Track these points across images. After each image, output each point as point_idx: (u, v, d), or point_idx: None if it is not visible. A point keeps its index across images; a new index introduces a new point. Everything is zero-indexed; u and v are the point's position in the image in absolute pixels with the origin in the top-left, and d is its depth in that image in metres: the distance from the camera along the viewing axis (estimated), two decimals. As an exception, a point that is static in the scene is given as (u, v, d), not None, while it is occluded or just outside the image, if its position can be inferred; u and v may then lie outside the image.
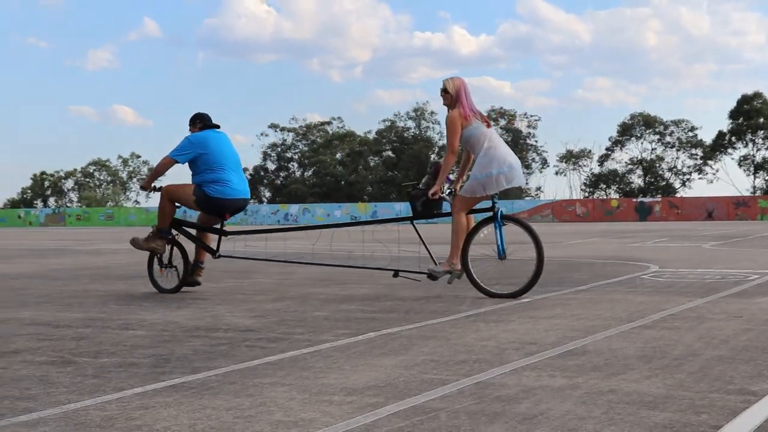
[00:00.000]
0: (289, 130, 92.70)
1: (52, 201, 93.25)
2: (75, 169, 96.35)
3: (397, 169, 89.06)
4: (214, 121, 8.53)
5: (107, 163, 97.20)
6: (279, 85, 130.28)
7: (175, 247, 8.44)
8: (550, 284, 8.47)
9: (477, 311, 6.42)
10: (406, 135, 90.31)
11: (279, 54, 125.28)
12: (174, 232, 8.37)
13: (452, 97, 7.56)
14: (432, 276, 7.53)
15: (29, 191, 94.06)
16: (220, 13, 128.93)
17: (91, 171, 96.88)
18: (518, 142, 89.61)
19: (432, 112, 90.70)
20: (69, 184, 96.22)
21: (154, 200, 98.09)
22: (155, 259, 8.38)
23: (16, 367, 4.37)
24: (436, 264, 7.57)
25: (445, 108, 7.63)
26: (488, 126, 7.61)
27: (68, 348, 4.93)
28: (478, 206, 7.64)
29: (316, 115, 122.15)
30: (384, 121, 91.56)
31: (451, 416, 3.20)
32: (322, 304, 6.98)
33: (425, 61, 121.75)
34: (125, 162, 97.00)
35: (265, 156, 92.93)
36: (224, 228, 8.49)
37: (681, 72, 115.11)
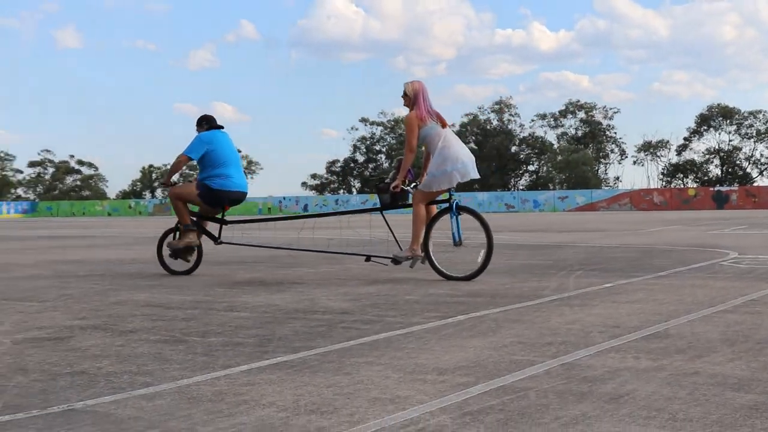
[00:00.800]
0: (377, 124, 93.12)
1: (159, 192, 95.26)
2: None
3: (480, 160, 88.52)
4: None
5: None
6: (367, 82, 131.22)
7: None
8: (631, 270, 8.35)
9: (560, 296, 6.35)
10: (488, 127, 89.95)
11: (367, 52, 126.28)
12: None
13: (411, 99, 7.83)
14: (395, 260, 7.87)
15: (139, 183, 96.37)
16: (312, 15, 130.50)
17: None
18: (596, 134, 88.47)
19: (513, 106, 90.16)
20: (175, 176, 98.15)
21: (253, 192, 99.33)
22: (164, 245, 8.89)
23: (134, 345, 4.48)
24: (401, 249, 7.88)
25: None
26: (444, 126, 7.84)
27: (179, 328, 5.04)
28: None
29: (403, 110, 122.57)
30: (467, 114, 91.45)
31: (540, 395, 3.18)
32: (412, 289, 6.99)
33: (506, 57, 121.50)
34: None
35: (355, 148, 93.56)
36: (224, 218, 8.95)
37: (759, 65, 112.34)
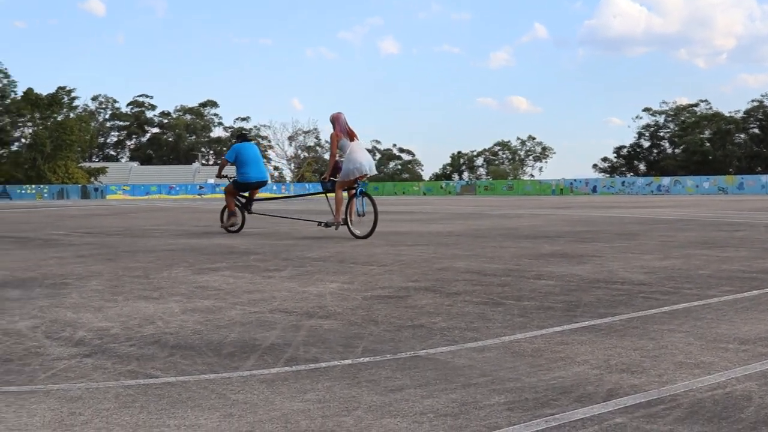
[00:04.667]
0: (660, 113, 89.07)
1: (465, 174, 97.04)
2: (483, 149, 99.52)
3: (764, 145, 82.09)
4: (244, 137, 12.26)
5: (508, 144, 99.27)
6: (649, 74, 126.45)
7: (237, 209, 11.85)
8: None
9: None
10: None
11: (649, 46, 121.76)
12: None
13: (333, 124, 10.51)
14: (326, 224, 10.67)
15: (449, 167, 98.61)
16: (598, 15, 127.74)
17: (496, 150, 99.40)
18: None
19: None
20: (479, 161, 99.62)
21: (546, 174, 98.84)
22: (224, 216, 11.80)
23: (460, 305, 4.62)
24: (332, 217, 10.51)
25: None
26: (351, 140, 10.42)
27: (496, 292, 5.12)
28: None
29: (684, 99, 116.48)
30: (752, 101, 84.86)
31: None
32: (705, 264, 6.63)
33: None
34: (523, 143, 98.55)
35: (640, 135, 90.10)
36: (253, 197, 12.00)
37: None
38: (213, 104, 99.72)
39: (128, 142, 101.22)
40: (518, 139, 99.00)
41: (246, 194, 11.89)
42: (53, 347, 3.56)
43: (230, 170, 11.91)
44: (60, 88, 70.54)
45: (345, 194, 10.45)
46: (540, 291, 5.14)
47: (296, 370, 3.06)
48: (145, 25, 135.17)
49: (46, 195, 58.22)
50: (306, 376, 2.98)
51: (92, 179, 70.02)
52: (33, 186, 59.97)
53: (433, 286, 5.45)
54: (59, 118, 69.09)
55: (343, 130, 10.41)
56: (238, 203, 11.82)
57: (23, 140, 70.17)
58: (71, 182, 65.40)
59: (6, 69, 69.66)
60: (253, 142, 12.10)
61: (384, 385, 2.81)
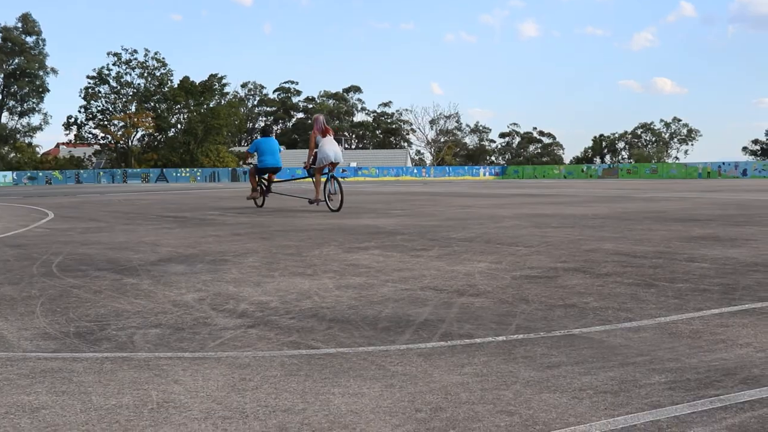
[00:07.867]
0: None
1: (607, 158, 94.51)
2: (625, 132, 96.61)
3: None
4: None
5: (651, 126, 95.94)
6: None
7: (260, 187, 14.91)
8: None
9: None
10: None
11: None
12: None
13: (313, 123, 13.35)
14: (310, 201, 13.60)
15: (590, 150, 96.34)
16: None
17: (639, 133, 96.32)
18: None
19: None
20: (621, 144, 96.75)
21: (692, 157, 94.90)
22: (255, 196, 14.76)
23: (611, 285, 4.53)
24: (315, 196, 13.39)
25: None
26: (324, 136, 13.21)
27: (647, 274, 4.98)
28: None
29: None
30: None
31: None
32: None
33: None
34: (667, 125, 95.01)
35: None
36: (272, 180, 14.97)
37: None
38: (356, 89, 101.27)
39: (275, 127, 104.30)
40: (662, 121, 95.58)
41: (265, 177, 14.82)
42: (219, 318, 3.75)
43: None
44: (212, 75, 73.46)
45: (323, 178, 13.24)
46: (694, 273, 4.96)
47: (452, 345, 3.09)
48: (289, 13, 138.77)
49: (199, 178, 60.90)
50: (462, 350, 3.00)
51: (241, 163, 72.61)
52: (187, 169, 62.85)
53: (582, 267, 5.36)
54: (211, 104, 71.99)
55: (319, 129, 13.24)
56: (260, 184, 14.80)
57: (179, 126, 73.59)
58: (222, 166, 68.10)
59: (164, 59, 73.23)
60: (272, 136, 14.94)
61: (540, 362, 2.81)
